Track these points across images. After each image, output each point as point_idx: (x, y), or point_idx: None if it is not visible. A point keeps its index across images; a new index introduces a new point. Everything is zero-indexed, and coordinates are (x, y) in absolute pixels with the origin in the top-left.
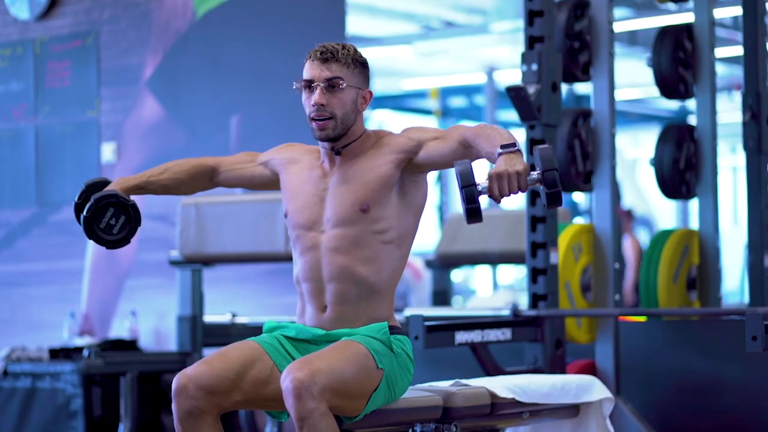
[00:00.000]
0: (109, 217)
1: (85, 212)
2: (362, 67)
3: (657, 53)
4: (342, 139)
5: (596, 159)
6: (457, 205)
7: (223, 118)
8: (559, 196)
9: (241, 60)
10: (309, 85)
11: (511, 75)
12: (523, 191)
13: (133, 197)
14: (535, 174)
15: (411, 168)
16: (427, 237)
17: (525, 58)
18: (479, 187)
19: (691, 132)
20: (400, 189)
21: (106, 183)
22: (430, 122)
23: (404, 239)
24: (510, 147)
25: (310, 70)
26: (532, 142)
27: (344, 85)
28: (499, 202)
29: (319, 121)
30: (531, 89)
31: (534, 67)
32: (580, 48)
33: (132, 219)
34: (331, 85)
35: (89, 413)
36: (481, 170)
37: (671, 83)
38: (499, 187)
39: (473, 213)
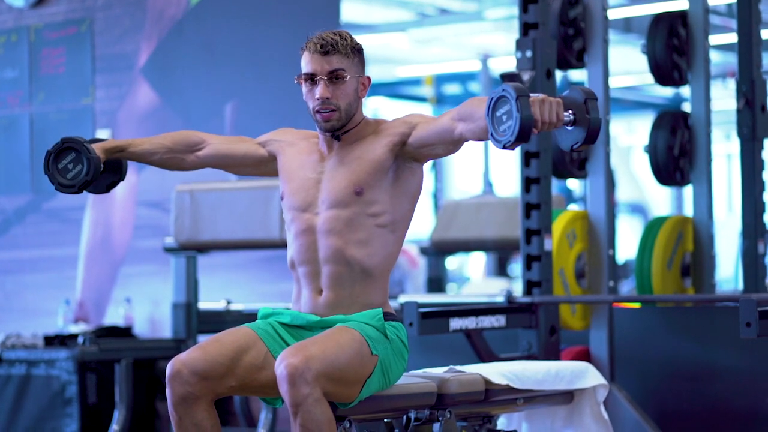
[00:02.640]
0: (68, 161)
1: (51, 147)
2: (360, 54)
3: (651, 40)
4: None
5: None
6: (452, 192)
7: (218, 104)
8: (600, 126)
9: (235, 47)
10: (311, 78)
11: (506, 62)
12: (557, 125)
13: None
14: (569, 113)
15: (405, 153)
16: (422, 224)
17: (519, 45)
18: None
19: (686, 119)
20: (395, 174)
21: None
22: (425, 109)
23: (399, 224)
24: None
25: (311, 63)
26: None
27: (348, 77)
28: (537, 129)
29: (325, 113)
30: (525, 76)
31: (528, 53)
32: (575, 35)
33: (87, 172)
34: (335, 77)
35: (84, 400)
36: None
37: (666, 70)
38: (541, 111)
39: (526, 123)
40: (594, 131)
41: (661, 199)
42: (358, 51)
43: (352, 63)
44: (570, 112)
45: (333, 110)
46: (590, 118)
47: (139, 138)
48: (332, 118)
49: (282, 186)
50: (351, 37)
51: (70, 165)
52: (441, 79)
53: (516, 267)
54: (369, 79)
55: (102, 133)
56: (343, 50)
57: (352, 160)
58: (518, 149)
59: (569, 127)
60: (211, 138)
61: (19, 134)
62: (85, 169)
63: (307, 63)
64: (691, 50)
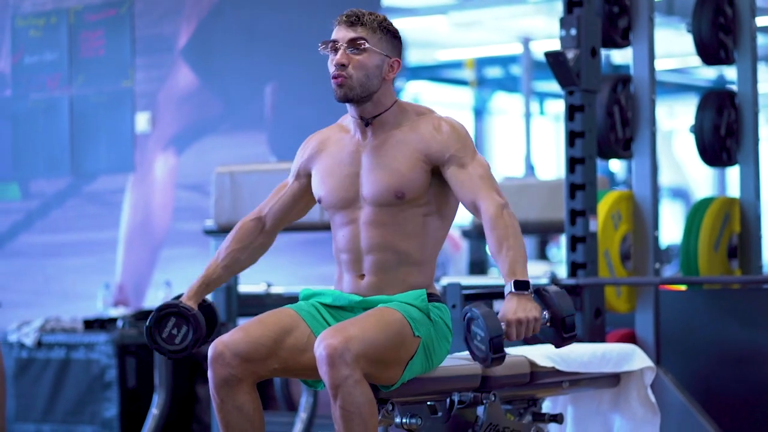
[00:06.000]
0: (170, 327)
1: (147, 322)
2: (391, 36)
3: (697, 18)
4: (367, 105)
5: (636, 126)
6: (494, 174)
7: (258, 86)
8: (575, 338)
9: (275, 28)
10: (334, 46)
11: (547, 45)
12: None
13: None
14: (546, 315)
15: (439, 172)
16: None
17: (564, 23)
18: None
19: (732, 98)
20: (437, 174)
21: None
22: (466, 93)
23: (446, 210)
24: (523, 289)
25: (336, 33)
26: (571, 109)
27: (367, 46)
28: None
29: (337, 79)
30: (570, 54)
31: (573, 32)
32: (620, 13)
33: (195, 329)
34: (354, 45)
35: (123, 384)
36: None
37: (711, 49)
38: (517, 333)
39: (500, 360)
40: (565, 342)
41: (702, 183)
42: (388, 31)
43: (378, 38)
44: (546, 314)
45: (345, 78)
46: (563, 336)
47: (210, 262)
48: (345, 84)
49: (317, 191)
50: (385, 18)
51: (174, 330)
52: (482, 62)
53: (556, 251)
54: (399, 62)
55: (142, 116)
56: (368, 23)
57: (389, 161)
58: (563, 129)
59: (548, 325)
60: (262, 209)
61: (58, 117)
62: (192, 327)
63: (333, 34)
64: (738, 29)
